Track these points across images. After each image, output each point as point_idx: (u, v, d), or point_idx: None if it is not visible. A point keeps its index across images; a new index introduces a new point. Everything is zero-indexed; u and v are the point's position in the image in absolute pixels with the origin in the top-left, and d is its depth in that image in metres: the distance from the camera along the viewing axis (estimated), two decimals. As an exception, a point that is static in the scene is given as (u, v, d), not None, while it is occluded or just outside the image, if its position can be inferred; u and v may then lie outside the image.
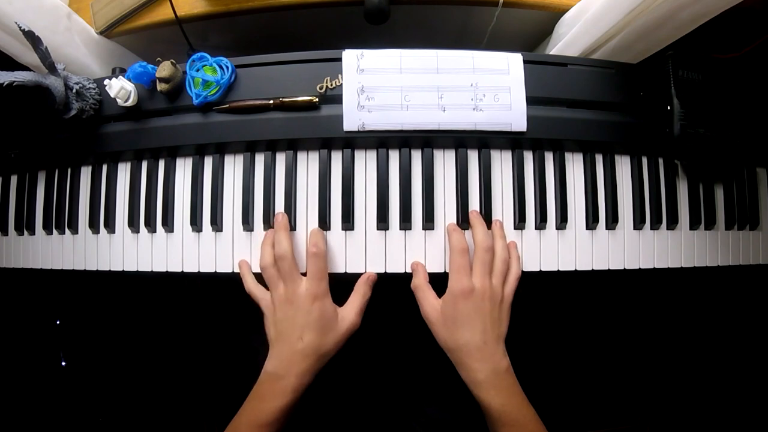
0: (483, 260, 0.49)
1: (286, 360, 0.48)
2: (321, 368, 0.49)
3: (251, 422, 0.46)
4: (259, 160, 0.55)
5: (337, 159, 0.54)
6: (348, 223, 0.53)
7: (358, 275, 0.53)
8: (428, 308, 0.49)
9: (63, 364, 0.80)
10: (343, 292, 0.52)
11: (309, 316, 0.48)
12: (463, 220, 0.53)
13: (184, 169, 0.56)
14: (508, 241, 0.52)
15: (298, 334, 0.48)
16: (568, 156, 0.55)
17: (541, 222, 0.54)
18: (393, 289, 0.53)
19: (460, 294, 0.48)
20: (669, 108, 0.54)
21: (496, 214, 0.54)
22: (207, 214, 0.55)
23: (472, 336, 0.47)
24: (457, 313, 0.47)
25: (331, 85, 0.52)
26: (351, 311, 0.50)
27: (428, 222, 0.53)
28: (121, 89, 0.52)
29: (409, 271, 0.53)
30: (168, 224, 0.56)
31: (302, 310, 0.48)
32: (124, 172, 0.58)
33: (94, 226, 0.57)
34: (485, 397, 0.46)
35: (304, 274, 0.50)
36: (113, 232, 0.57)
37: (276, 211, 0.54)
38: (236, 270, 0.54)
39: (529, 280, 0.53)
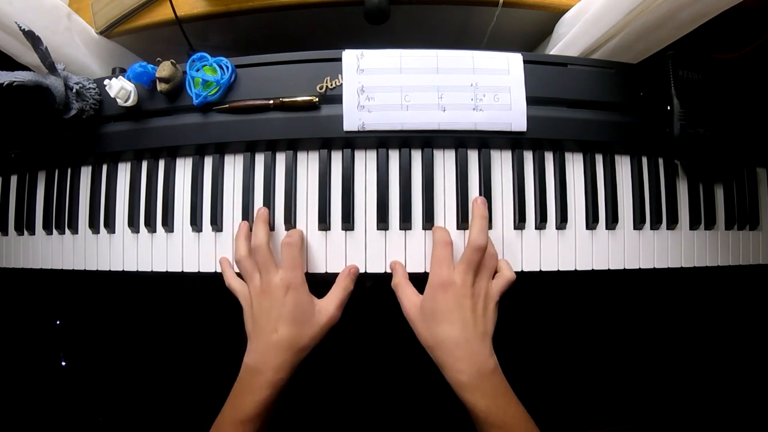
0: (470, 259, 0.47)
1: (262, 353, 0.47)
2: (300, 362, 0.47)
3: (233, 418, 0.45)
4: (259, 160, 0.55)
5: (337, 159, 0.54)
6: (348, 223, 0.53)
7: (358, 275, 0.53)
8: (407, 304, 0.48)
9: (63, 364, 0.80)
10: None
11: (283, 307, 0.47)
12: (463, 221, 0.53)
13: (184, 169, 0.56)
14: (501, 260, 0.51)
15: (273, 326, 0.47)
16: (568, 156, 0.55)
17: (541, 222, 0.54)
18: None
19: (439, 286, 0.46)
20: (669, 108, 0.54)
21: (496, 214, 0.54)
22: (207, 214, 0.55)
23: (451, 331, 0.45)
24: (435, 307, 0.46)
25: (331, 85, 0.52)
26: (330, 304, 0.49)
27: (428, 222, 0.53)
28: (121, 89, 0.52)
29: (410, 270, 0.53)
30: (168, 224, 0.56)
31: (277, 301, 0.47)
32: (124, 172, 0.58)
33: (94, 226, 0.57)
34: (470, 399, 0.44)
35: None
36: (113, 232, 0.57)
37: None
38: (237, 270, 0.53)
39: (530, 280, 0.53)
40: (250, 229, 0.52)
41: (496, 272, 0.50)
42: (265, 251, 0.49)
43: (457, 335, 0.45)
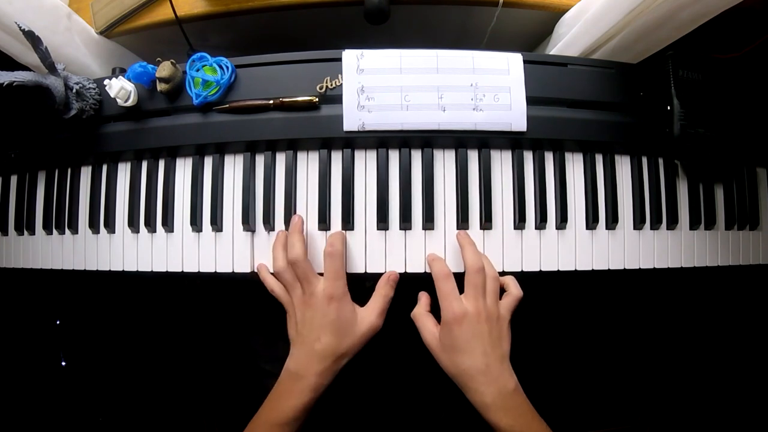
0: (474, 283, 0.48)
1: (305, 360, 0.48)
2: (341, 369, 0.49)
3: (269, 421, 0.46)
4: (259, 160, 0.55)
5: (337, 159, 0.54)
6: (348, 223, 0.53)
7: (358, 275, 0.53)
8: (428, 336, 0.49)
9: (63, 364, 0.80)
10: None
11: (325, 317, 0.48)
12: (463, 221, 0.53)
13: (184, 169, 0.56)
14: (507, 276, 0.52)
15: (316, 336, 0.48)
16: (568, 156, 0.55)
17: (541, 222, 0.54)
18: (398, 290, 0.53)
19: (454, 321, 0.47)
20: (669, 108, 0.54)
21: (496, 214, 0.54)
22: (207, 214, 0.55)
23: (473, 361, 0.46)
24: (454, 340, 0.47)
25: (331, 85, 0.52)
26: (371, 313, 0.50)
27: (428, 222, 0.53)
28: (121, 89, 0.52)
29: (410, 271, 0.53)
30: (168, 224, 0.56)
31: (319, 312, 0.48)
32: (124, 172, 0.58)
33: (94, 226, 0.57)
34: (493, 418, 0.45)
35: (322, 274, 0.50)
36: (113, 232, 0.57)
37: (294, 213, 0.53)
38: (237, 270, 0.54)
39: (530, 281, 0.53)
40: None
41: (503, 291, 0.51)
42: (303, 265, 0.49)
43: (478, 364, 0.46)
